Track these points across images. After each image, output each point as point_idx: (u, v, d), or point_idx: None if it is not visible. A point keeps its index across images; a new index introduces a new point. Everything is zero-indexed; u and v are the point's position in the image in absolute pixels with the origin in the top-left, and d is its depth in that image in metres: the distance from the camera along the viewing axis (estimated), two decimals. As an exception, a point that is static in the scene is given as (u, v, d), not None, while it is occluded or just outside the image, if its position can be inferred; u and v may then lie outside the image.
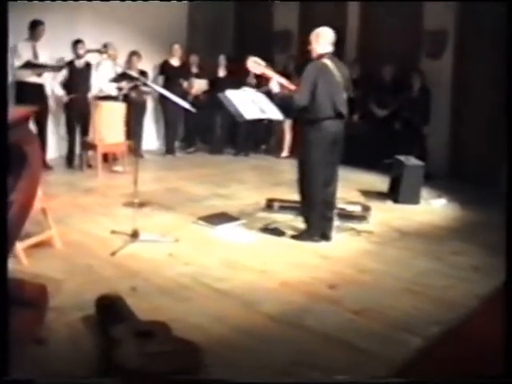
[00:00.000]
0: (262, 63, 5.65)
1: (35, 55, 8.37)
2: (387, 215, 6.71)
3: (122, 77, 7.62)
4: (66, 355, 3.35)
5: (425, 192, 7.55)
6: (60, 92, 8.69)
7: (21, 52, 8.25)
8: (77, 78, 8.65)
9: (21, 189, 3.30)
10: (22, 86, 8.34)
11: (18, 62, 8.24)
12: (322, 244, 5.57)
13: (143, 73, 9.43)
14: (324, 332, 3.79)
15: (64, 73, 8.61)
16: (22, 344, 3.25)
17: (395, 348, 3.58)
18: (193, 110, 6.09)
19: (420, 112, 8.85)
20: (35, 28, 8.31)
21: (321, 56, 5.48)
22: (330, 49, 5.53)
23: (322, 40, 5.50)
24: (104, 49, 8.92)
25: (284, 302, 4.26)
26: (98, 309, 3.73)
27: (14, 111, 3.39)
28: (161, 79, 10.25)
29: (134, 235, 5.41)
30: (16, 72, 8.26)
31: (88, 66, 8.83)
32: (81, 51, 8.59)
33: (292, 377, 3.25)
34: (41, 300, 3.62)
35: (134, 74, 6.98)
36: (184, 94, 9.89)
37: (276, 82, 5.56)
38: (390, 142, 8.89)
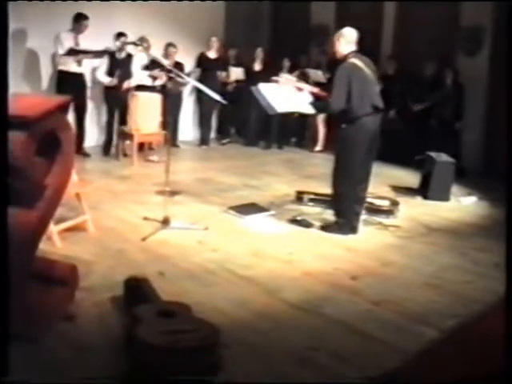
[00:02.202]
0: (293, 78, 5.78)
1: (77, 46, 8.59)
2: (416, 211, 6.77)
3: (152, 64, 7.77)
4: (93, 331, 3.52)
5: (456, 189, 7.57)
6: (106, 79, 8.88)
7: (63, 41, 8.49)
8: (118, 68, 8.84)
9: (55, 173, 3.48)
10: (62, 74, 8.60)
11: (61, 51, 8.48)
12: (349, 237, 5.66)
13: (179, 64, 9.61)
14: (342, 320, 3.89)
15: (106, 63, 8.81)
16: (52, 319, 3.43)
17: (410, 339, 3.67)
18: (224, 101, 6.22)
19: (453, 108, 8.85)
20: (79, 21, 8.53)
21: (347, 56, 5.56)
22: (353, 48, 5.60)
23: (344, 40, 5.58)
24: (139, 41, 9.11)
25: (305, 290, 4.38)
26: (125, 289, 3.90)
27: (51, 100, 3.58)
28: (198, 71, 10.38)
29: (165, 222, 5.57)
30: (59, 60, 8.51)
31: (129, 56, 9.03)
32: (118, 43, 8.79)
33: (308, 362, 3.36)
34: (71, 279, 3.80)
35: (163, 61, 7.12)
36: (221, 86, 10.06)
37: (308, 93, 5.66)
38: (424, 138, 8.92)
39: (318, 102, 5.75)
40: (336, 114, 5.67)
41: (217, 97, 6.04)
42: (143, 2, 9.64)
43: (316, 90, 5.73)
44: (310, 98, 5.72)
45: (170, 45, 9.74)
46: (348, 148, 5.56)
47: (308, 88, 5.75)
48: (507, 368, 2.64)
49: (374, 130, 5.58)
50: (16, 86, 7.92)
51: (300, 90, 5.74)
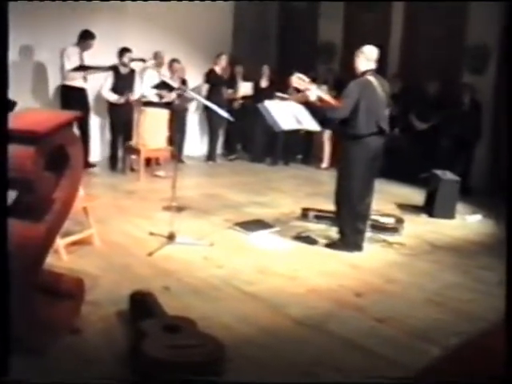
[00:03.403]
0: (306, 79, 5.76)
1: (82, 61, 8.68)
2: (421, 228, 6.78)
3: (161, 85, 7.86)
4: (98, 345, 3.55)
5: (461, 207, 7.58)
6: (112, 97, 8.96)
7: (70, 56, 8.58)
8: (121, 84, 8.93)
9: (63, 187, 3.53)
10: (67, 89, 8.68)
11: (68, 65, 8.57)
12: (354, 254, 5.68)
13: (184, 81, 9.67)
14: (346, 337, 3.91)
15: (111, 78, 8.89)
16: (57, 332, 3.46)
17: (413, 356, 3.68)
18: (231, 118, 6.26)
19: (470, 127, 8.83)
20: (86, 39, 8.62)
21: (364, 73, 5.61)
22: (372, 66, 5.65)
23: (365, 57, 5.62)
24: (153, 58, 9.20)
25: (310, 306, 4.40)
26: (131, 303, 3.93)
27: (60, 115, 3.63)
28: (206, 87, 10.45)
29: (171, 237, 5.62)
30: (67, 75, 8.59)
31: (132, 72, 9.11)
32: (126, 59, 8.87)
33: (311, 377, 3.38)
34: (77, 293, 3.83)
35: (172, 83, 7.18)
36: (228, 102, 10.12)
37: (314, 93, 5.68)
38: (430, 156, 8.94)
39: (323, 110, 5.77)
40: (340, 129, 5.70)
41: (224, 113, 6.09)
42: (152, 18, 9.75)
43: (324, 95, 5.72)
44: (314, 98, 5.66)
45: (174, 60, 9.78)
46: (350, 165, 5.60)
47: (315, 88, 5.73)
48: (508, 376, 2.64)
49: (377, 149, 5.62)
50: (23, 100, 8.04)
51: (307, 90, 5.72)
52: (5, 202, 2.96)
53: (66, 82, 8.69)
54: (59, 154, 3.43)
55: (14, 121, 3.38)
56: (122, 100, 8.87)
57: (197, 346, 3.09)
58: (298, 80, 5.73)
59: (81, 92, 8.79)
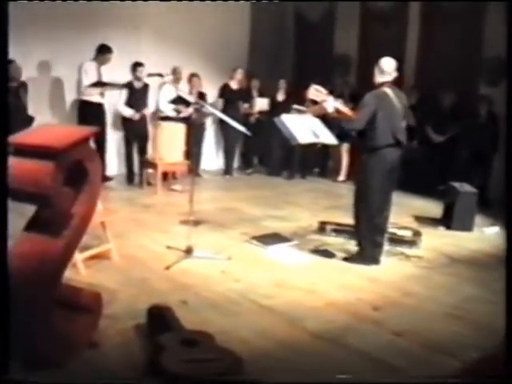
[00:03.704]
0: (324, 91, 5.77)
1: (99, 76, 8.77)
2: (438, 241, 6.75)
3: (178, 100, 7.92)
4: (116, 359, 3.56)
5: (479, 219, 7.54)
6: (127, 112, 9.04)
7: (88, 71, 8.68)
8: (135, 98, 9.03)
9: (82, 202, 3.55)
10: (84, 104, 8.77)
11: (86, 81, 8.66)
12: (371, 267, 5.66)
13: (202, 94, 9.74)
14: (364, 351, 3.90)
15: (125, 93, 8.97)
16: (76, 346, 3.48)
17: (432, 369, 3.66)
18: (248, 133, 6.28)
19: (488, 139, 8.79)
20: (103, 53, 8.72)
21: (381, 85, 5.62)
22: (390, 78, 5.65)
23: (381, 70, 5.63)
24: (171, 73, 9.28)
25: (328, 320, 4.39)
26: (148, 318, 3.94)
27: (78, 131, 3.67)
28: (221, 102, 10.49)
29: (188, 251, 5.63)
30: (84, 90, 8.68)
31: (146, 86, 9.20)
32: (140, 74, 8.95)
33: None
34: (95, 307, 3.85)
35: (189, 98, 7.24)
36: (244, 117, 10.16)
37: (331, 104, 5.68)
38: (448, 168, 8.91)
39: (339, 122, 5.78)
40: (357, 141, 5.69)
41: (241, 128, 6.11)
42: (169, 32, 9.83)
43: (341, 106, 5.72)
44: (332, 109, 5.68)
45: (193, 75, 9.87)
46: (367, 178, 5.60)
47: (332, 100, 5.73)
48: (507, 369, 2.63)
49: (394, 161, 5.61)
50: (41, 115, 8.15)
51: (324, 102, 5.72)
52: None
53: (83, 97, 8.78)
54: (77, 169, 3.46)
55: (33, 136, 3.43)
56: (136, 116, 8.96)
57: (214, 360, 3.10)
58: (316, 92, 5.74)
59: (98, 107, 8.87)
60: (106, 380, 3.27)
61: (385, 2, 10.48)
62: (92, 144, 8.28)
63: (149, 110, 9.27)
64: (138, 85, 9.07)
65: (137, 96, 9.04)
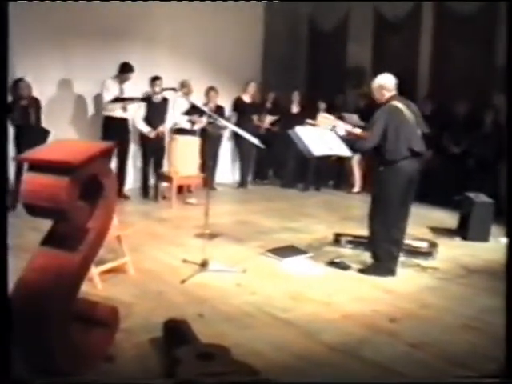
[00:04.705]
0: (331, 117, 5.82)
1: (121, 93, 8.88)
2: (455, 252, 6.72)
3: (192, 110, 7.97)
4: (132, 372, 3.58)
5: (495, 229, 7.50)
6: (145, 128, 9.11)
7: (109, 88, 8.80)
8: (154, 112, 9.09)
9: (98, 217, 3.58)
10: (108, 120, 8.89)
11: (107, 97, 8.77)
12: (387, 279, 5.64)
13: (220, 108, 9.80)
14: (380, 363, 3.88)
15: (144, 107, 9.04)
16: (92, 359, 3.49)
17: (450, 382, 3.64)
18: (262, 146, 6.30)
19: (493, 148, 8.78)
20: (125, 72, 8.85)
21: (388, 99, 5.63)
22: (393, 92, 5.67)
23: (385, 87, 5.65)
24: (180, 87, 9.34)
25: (344, 332, 4.38)
26: (164, 331, 3.95)
27: (94, 146, 3.70)
28: (234, 115, 10.55)
29: (204, 265, 5.64)
30: (106, 106, 8.80)
31: (165, 100, 9.25)
32: (157, 88, 9.01)
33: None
34: (112, 320, 3.86)
35: (203, 107, 7.30)
36: (256, 129, 10.21)
37: (342, 129, 5.72)
38: (462, 178, 8.88)
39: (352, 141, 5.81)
40: (373, 156, 5.70)
41: (255, 141, 6.13)
42: (183, 46, 9.92)
43: (350, 128, 5.76)
44: (343, 133, 5.75)
45: (211, 89, 9.94)
46: (385, 190, 5.59)
47: (342, 125, 5.78)
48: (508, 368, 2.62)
49: (412, 173, 5.59)
50: (63, 131, 8.25)
51: (336, 127, 5.76)
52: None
53: (106, 112, 8.89)
54: (93, 184, 3.49)
55: (48, 152, 3.47)
56: (152, 134, 9.03)
57: (230, 374, 3.10)
58: (324, 120, 5.83)
59: (122, 122, 8.99)
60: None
61: (398, 12, 10.47)
62: (114, 159, 8.50)
63: (166, 126, 9.31)
64: (156, 99, 9.13)
65: (155, 110, 9.11)
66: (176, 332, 3.82)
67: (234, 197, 10.18)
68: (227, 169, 11.12)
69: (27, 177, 3.32)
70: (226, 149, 10.99)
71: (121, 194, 8.85)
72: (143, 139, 9.25)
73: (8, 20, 3.13)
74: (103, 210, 3.60)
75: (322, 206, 9.44)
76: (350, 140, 5.82)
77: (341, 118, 5.93)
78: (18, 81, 7.92)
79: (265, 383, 3.21)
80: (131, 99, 8.91)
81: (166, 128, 9.30)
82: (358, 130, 5.72)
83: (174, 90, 8.96)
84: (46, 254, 3.44)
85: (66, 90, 9.15)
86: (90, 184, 3.46)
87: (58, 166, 3.24)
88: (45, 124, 8.13)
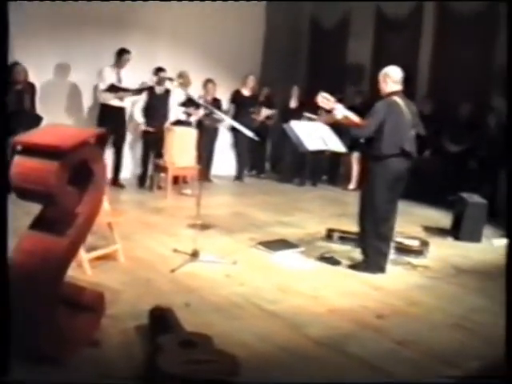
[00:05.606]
0: (332, 99, 5.76)
1: (119, 80, 8.86)
2: (446, 251, 6.73)
3: (188, 102, 7.96)
4: (116, 358, 3.59)
5: (488, 230, 7.51)
6: (140, 119, 9.11)
7: (105, 76, 8.78)
8: (156, 104, 9.08)
9: (86, 202, 3.59)
10: (104, 108, 8.86)
11: (102, 86, 8.76)
12: (377, 275, 5.64)
13: (217, 100, 9.80)
14: (364, 358, 3.89)
15: (144, 98, 9.03)
16: (77, 344, 3.50)
17: (432, 379, 3.65)
18: (256, 138, 6.30)
19: (496, 150, 8.76)
20: (121, 56, 8.83)
21: (390, 94, 5.62)
22: (398, 87, 5.65)
23: (390, 79, 5.62)
24: (176, 77, 9.33)
25: (330, 327, 4.39)
26: (150, 318, 3.97)
27: (84, 132, 3.71)
28: (232, 108, 10.56)
29: (194, 255, 5.65)
30: (101, 94, 8.78)
31: (167, 92, 9.24)
32: (156, 78, 9.00)
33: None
34: (98, 306, 3.88)
35: (198, 100, 7.30)
36: (253, 122, 10.22)
37: (340, 112, 5.67)
38: (460, 178, 8.88)
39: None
40: (365, 150, 5.69)
41: (250, 134, 6.13)
42: (183, 38, 9.90)
43: (350, 114, 5.71)
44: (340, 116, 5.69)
45: (208, 81, 9.94)
46: (373, 186, 5.59)
47: (341, 107, 5.76)
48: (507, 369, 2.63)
49: (399, 172, 5.58)
50: (58, 119, 8.24)
51: (333, 109, 5.72)
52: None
53: (102, 101, 8.87)
54: (83, 169, 3.50)
55: (39, 136, 3.48)
56: (142, 128, 9.06)
57: (211, 362, 3.11)
58: (323, 99, 5.73)
59: (118, 111, 8.96)
60: (104, 379, 3.29)
61: (399, 11, 10.47)
62: (110, 147, 8.52)
63: (168, 122, 9.31)
64: (159, 90, 9.13)
65: (158, 102, 9.10)
66: (161, 320, 3.84)
67: (230, 189, 10.19)
68: (225, 161, 11.11)
69: (17, 160, 3.32)
70: (224, 141, 10.99)
71: (116, 183, 8.87)
72: (144, 132, 9.25)
73: (8, 20, 3.13)
74: (92, 196, 3.61)
75: (317, 201, 9.45)
76: (345, 126, 5.79)
77: (340, 101, 5.84)
78: (15, 64, 7.90)
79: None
80: (127, 90, 8.89)
81: (167, 124, 9.27)
82: (356, 118, 5.69)
83: (170, 79, 8.95)
84: (33, 237, 3.46)
85: (63, 77, 9.13)
86: (80, 169, 3.47)
87: (47, 149, 3.25)
88: (39, 110, 8.12)
